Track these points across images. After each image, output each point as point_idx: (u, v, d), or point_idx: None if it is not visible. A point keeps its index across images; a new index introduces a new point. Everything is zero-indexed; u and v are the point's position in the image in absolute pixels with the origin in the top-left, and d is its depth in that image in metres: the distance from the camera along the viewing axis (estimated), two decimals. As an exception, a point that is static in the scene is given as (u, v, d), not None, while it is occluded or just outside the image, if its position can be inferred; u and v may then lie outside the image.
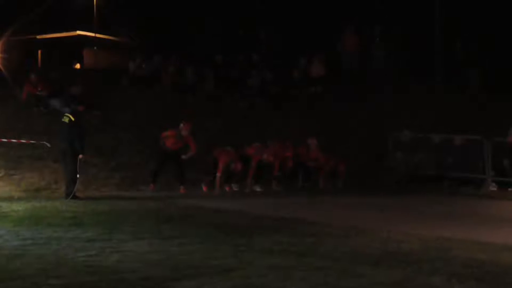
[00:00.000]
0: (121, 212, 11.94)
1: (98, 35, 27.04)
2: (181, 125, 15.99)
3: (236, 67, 23.58)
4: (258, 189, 16.74)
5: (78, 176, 13.86)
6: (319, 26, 25.32)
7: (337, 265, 7.63)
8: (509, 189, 17.78)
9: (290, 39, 25.03)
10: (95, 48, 27.00)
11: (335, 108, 21.91)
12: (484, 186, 18.16)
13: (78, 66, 26.47)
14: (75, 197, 13.69)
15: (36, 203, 12.83)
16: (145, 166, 16.85)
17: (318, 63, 23.82)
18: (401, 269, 7.52)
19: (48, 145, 15.98)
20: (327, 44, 24.72)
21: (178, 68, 22.67)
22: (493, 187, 18.08)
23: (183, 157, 15.96)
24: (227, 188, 16.42)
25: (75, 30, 27.30)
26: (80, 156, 13.95)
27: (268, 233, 9.93)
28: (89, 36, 27.16)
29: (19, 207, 12.15)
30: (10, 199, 13.38)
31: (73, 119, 14.12)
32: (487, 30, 23.61)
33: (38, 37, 27.36)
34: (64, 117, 14.32)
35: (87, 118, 16.76)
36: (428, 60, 25.17)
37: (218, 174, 16.08)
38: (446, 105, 22.29)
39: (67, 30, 27.38)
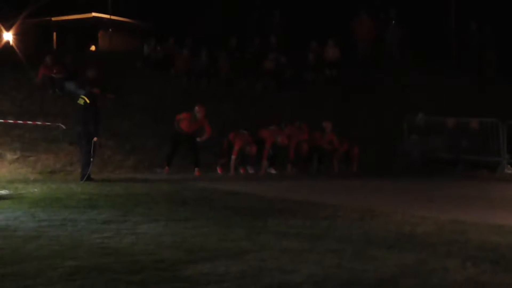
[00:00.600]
0: (136, 195, 11.99)
1: (113, 17, 26.99)
2: (196, 108, 16.00)
3: (250, 50, 23.53)
4: (272, 171, 16.76)
5: (92, 159, 13.91)
6: (334, 9, 25.18)
7: (351, 248, 7.62)
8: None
9: (305, 22, 24.91)
10: (110, 30, 26.98)
11: (350, 92, 21.84)
12: (500, 168, 18.09)
13: (93, 48, 26.49)
14: (89, 179, 13.76)
15: (51, 185, 12.90)
16: (160, 149, 16.90)
17: (333, 46, 23.74)
18: (416, 252, 7.50)
19: (63, 127, 16.06)
20: (342, 28, 24.60)
21: (192, 51, 22.65)
22: (508, 170, 18.01)
23: (198, 139, 15.99)
24: (242, 171, 16.45)
25: (90, 12, 27.28)
26: (95, 139, 13.99)
27: (282, 216, 9.94)
28: (104, 18, 27.13)
29: (34, 189, 12.24)
30: (25, 181, 13.47)
31: (88, 101, 14.15)
32: (502, 13, 23.38)
33: (53, 19, 27.35)
34: (80, 99, 14.36)
35: (102, 100, 16.79)
36: (443, 43, 25.01)
37: (233, 157, 16.11)
38: (461, 88, 22.17)
39: (82, 12, 27.36)
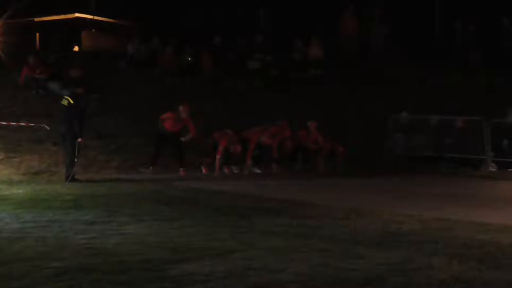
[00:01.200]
0: (121, 195, 11.96)
1: (96, 18, 26.86)
2: (180, 107, 15.96)
3: (235, 49, 23.50)
4: (257, 171, 16.75)
5: (76, 159, 13.84)
6: (319, 8, 25.19)
7: (338, 247, 7.64)
8: (509, 169, 17.82)
9: (289, 21, 24.91)
10: (93, 30, 26.84)
11: (335, 91, 21.86)
12: (484, 166, 18.18)
13: (76, 48, 26.35)
14: (74, 180, 13.69)
15: (36, 186, 12.84)
16: (145, 149, 16.84)
17: (317, 45, 23.75)
18: (402, 250, 7.53)
19: (48, 128, 15.97)
20: (326, 26, 24.63)
21: (176, 50, 22.59)
22: (492, 168, 18.10)
23: (182, 139, 15.96)
24: (226, 170, 16.43)
25: (73, 12, 27.13)
26: (79, 139, 13.93)
27: (268, 215, 9.94)
28: (87, 18, 26.98)
29: (19, 190, 12.17)
30: (10, 182, 13.39)
31: (72, 101, 14.08)
32: (487, 11, 23.48)
33: (35, 19, 27.18)
34: (63, 99, 14.29)
35: (86, 101, 16.71)
36: (428, 41, 25.08)
37: (218, 156, 16.08)
38: (445, 86, 22.24)
39: (65, 13, 27.21)
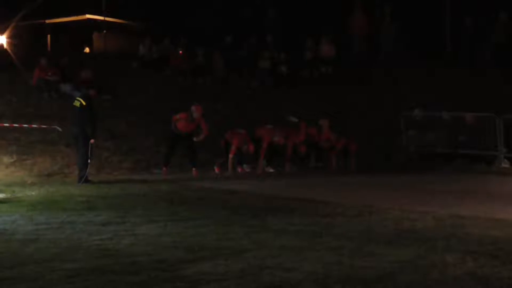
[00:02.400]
0: (134, 196, 11.98)
1: (107, 19, 26.94)
2: (193, 107, 15.96)
3: (245, 49, 23.51)
4: (270, 170, 16.74)
5: (89, 160, 13.88)
6: (329, 7, 25.16)
7: (351, 245, 7.62)
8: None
9: (299, 20, 24.89)
10: (104, 32, 26.93)
11: (346, 89, 21.84)
12: (497, 162, 18.10)
13: (87, 50, 26.45)
14: (87, 181, 13.73)
15: (49, 188, 12.87)
16: (157, 149, 16.88)
17: (327, 43, 23.73)
18: (415, 247, 7.51)
19: (60, 129, 16.02)
20: (337, 25, 24.60)
21: (187, 51, 22.62)
22: (505, 164, 18.02)
23: (195, 139, 15.96)
24: (239, 170, 16.43)
25: (84, 14, 27.23)
26: (92, 140, 13.97)
27: (281, 214, 9.94)
28: (98, 19, 27.07)
29: (32, 192, 12.21)
30: (23, 184, 13.43)
31: (84, 103, 14.11)
32: (497, 7, 23.36)
33: (47, 21, 27.29)
34: (75, 101, 14.32)
35: (98, 102, 16.76)
36: (439, 38, 25.00)
37: (231, 156, 16.09)
38: (457, 83, 22.16)
39: (76, 14, 27.31)
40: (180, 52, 22.70)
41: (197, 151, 16.09)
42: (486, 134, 18.29)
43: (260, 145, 16.52)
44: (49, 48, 26.15)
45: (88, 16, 27.40)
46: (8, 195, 11.83)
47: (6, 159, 15.32)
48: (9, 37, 21.08)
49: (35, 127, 16.38)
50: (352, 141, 17.92)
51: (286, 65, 22.68)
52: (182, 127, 15.84)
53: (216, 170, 16.25)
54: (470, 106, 19.04)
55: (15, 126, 16.28)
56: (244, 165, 16.64)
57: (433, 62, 23.49)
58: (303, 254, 7.17)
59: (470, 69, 22.90)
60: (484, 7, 23.46)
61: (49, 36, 27.17)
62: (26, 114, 17.51)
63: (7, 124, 16.27)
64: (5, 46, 21.01)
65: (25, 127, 16.38)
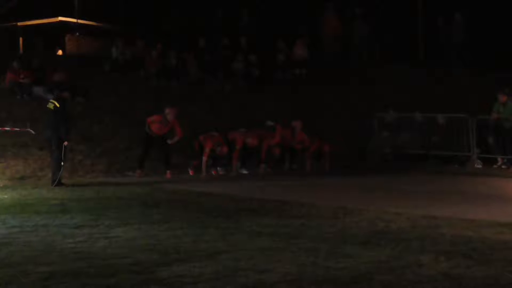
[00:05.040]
0: (108, 198, 11.92)
1: (80, 21, 26.80)
2: (167, 110, 15.92)
3: (219, 51, 23.49)
4: (244, 171, 16.75)
5: (62, 163, 13.78)
6: (301, 9, 25.24)
7: (326, 246, 7.65)
8: (494, 166, 17.91)
9: (272, 22, 24.92)
10: (77, 34, 26.77)
11: (319, 91, 21.89)
12: (470, 163, 18.24)
13: (60, 52, 26.27)
14: (60, 184, 13.63)
15: (21, 191, 12.78)
16: (131, 152, 16.80)
17: (300, 45, 23.79)
18: (390, 248, 7.55)
19: (33, 132, 15.90)
20: (309, 27, 24.66)
21: (160, 53, 22.55)
22: (478, 165, 18.17)
23: (169, 141, 15.91)
24: (213, 172, 16.42)
25: (57, 16, 27.04)
26: (65, 143, 13.87)
27: (256, 215, 9.95)
28: (71, 22, 26.92)
29: (4, 195, 12.11)
30: (-5, 187, 13.31)
31: (58, 105, 14.01)
32: (471, 9, 23.57)
33: (19, 24, 27.09)
34: (49, 103, 14.22)
35: (71, 105, 16.67)
36: (411, 40, 25.18)
37: (204, 158, 16.06)
38: (430, 84, 22.34)
39: (48, 16, 27.12)
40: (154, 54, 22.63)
41: (171, 153, 16.05)
42: (459, 135, 18.43)
43: (233, 148, 16.52)
44: (21, 51, 25.95)
45: (60, 18, 27.22)
46: (-20, 199, 11.71)
47: (-22, 163, 15.17)
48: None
49: (8, 130, 16.23)
50: (325, 142, 17.96)
51: (259, 68, 22.68)
52: (156, 129, 15.79)
53: (191, 173, 16.22)
54: (443, 107, 19.18)
55: (-13, 129, 16.14)
56: (218, 168, 16.62)
57: (406, 63, 23.64)
58: (277, 255, 7.18)
59: (443, 70, 23.10)
60: (457, 7, 23.68)
61: (21, 38, 26.96)
62: (-2, 117, 17.35)
63: (-21, 128, 16.13)
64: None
65: (-3, 130, 16.24)
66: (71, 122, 14.43)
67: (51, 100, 14.32)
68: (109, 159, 16.50)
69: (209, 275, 6.33)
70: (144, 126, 15.91)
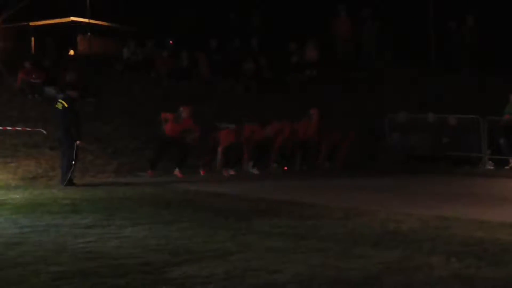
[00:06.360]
0: (119, 198, 11.92)
1: (91, 21, 26.88)
2: (181, 108, 15.87)
3: (230, 52, 23.51)
4: (255, 172, 16.71)
5: (74, 162, 13.79)
6: (313, 10, 25.21)
7: (337, 247, 7.64)
8: (506, 167, 17.83)
9: (284, 24, 24.92)
10: (89, 34, 26.86)
11: (330, 92, 21.86)
12: (481, 164, 18.18)
13: (72, 52, 26.36)
14: (71, 184, 13.65)
15: (33, 191, 12.79)
16: (142, 152, 16.82)
17: (312, 47, 23.78)
18: (401, 249, 7.53)
19: (44, 132, 15.95)
20: (321, 28, 24.65)
21: (172, 53, 22.59)
22: (489, 166, 18.09)
23: (189, 140, 15.82)
24: (225, 173, 16.37)
25: (68, 16, 27.14)
26: (78, 142, 13.88)
27: (267, 216, 9.93)
28: (82, 22, 27.01)
29: (16, 195, 12.13)
30: (7, 187, 13.34)
31: (66, 105, 14.01)
32: (480, 10, 23.49)
33: (31, 24, 27.19)
34: (58, 103, 14.23)
35: (82, 104, 16.71)
36: (422, 40, 25.10)
37: (220, 153, 16.01)
38: (442, 85, 22.26)
39: (60, 17, 27.22)
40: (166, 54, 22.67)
41: (188, 154, 15.95)
42: (471, 136, 18.36)
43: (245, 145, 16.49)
44: (33, 51, 26.05)
45: (72, 18, 27.31)
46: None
47: (-10, 163, 15.22)
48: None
49: (19, 130, 16.29)
50: (345, 134, 17.93)
51: (270, 69, 22.70)
52: (169, 130, 15.73)
53: (202, 173, 16.19)
54: (456, 108, 19.10)
55: (-1, 129, 16.20)
56: (229, 169, 16.60)
57: (417, 64, 23.57)
58: (288, 256, 7.17)
59: (454, 71, 23.03)
60: (468, 9, 23.61)
61: (33, 38, 27.07)
62: (10, 116, 17.41)
63: (-10, 127, 16.19)
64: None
65: (9, 129, 16.29)
66: (81, 121, 14.43)
67: (60, 100, 14.34)
68: (120, 160, 16.51)
69: (219, 276, 6.33)
70: (157, 125, 15.85)
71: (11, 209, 10.51)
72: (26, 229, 8.72)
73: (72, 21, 27.35)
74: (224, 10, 25.70)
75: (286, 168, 17.29)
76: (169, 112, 15.93)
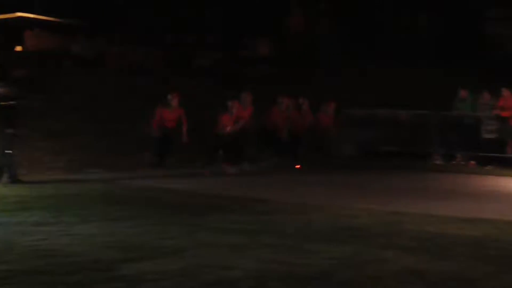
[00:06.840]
0: (68, 195, 11.71)
1: (39, 17, 26.49)
2: (169, 96, 15.66)
3: (184, 48, 23.45)
4: (247, 168, 16.34)
5: (11, 152, 13.32)
6: (267, 6, 25.26)
7: (289, 242, 7.64)
8: (453, 162, 18.12)
9: (237, 20, 24.92)
10: (37, 29, 26.45)
11: (285, 88, 21.85)
12: (431, 160, 18.41)
13: (19, 48, 25.93)
14: (17, 181, 13.32)
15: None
16: (92, 149, 16.60)
17: (265, 43, 23.84)
18: (353, 244, 7.57)
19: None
20: (275, 24, 24.73)
21: (123, 49, 22.42)
22: (439, 161, 18.34)
23: (184, 139, 15.58)
24: (226, 170, 15.85)
25: (15, 11, 26.70)
26: (9, 130, 13.33)
27: (222, 212, 9.89)
28: (30, 17, 26.60)
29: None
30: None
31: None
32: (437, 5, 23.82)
33: (-24, 19, 26.73)
34: None
35: (31, 101, 16.43)
36: (376, 37, 25.34)
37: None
38: (394, 81, 22.46)
39: (6, 12, 26.76)
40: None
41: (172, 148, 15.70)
42: (422, 131, 18.59)
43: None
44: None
45: (19, 14, 26.87)
46: None
47: None
48: None
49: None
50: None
51: (225, 65, 22.68)
52: (168, 121, 15.47)
53: (206, 174, 15.69)
54: (407, 103, 19.28)
55: None
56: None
57: (371, 58, 23.77)
58: (242, 252, 7.14)
59: (407, 67, 23.28)
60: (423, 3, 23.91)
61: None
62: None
63: None
64: None
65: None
66: (18, 117, 13.90)
67: None
68: (69, 157, 16.25)
69: (172, 272, 6.26)
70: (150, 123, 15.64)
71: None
72: (-28, 228, 8.52)
73: (19, 16, 26.92)
74: (180, 6, 25.61)
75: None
76: (159, 105, 15.65)
